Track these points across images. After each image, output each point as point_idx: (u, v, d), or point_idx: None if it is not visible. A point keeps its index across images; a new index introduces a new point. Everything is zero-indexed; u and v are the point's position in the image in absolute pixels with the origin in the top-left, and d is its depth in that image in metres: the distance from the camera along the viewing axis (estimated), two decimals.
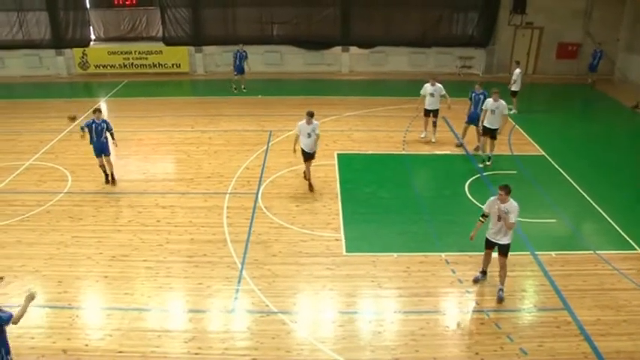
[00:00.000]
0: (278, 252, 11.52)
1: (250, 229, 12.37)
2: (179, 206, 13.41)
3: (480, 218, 10.09)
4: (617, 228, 12.60)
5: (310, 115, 13.40)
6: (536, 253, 11.47)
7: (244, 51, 22.24)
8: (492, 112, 15.11)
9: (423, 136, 17.52)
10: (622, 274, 10.91)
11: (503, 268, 9.96)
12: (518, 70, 19.85)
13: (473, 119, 16.32)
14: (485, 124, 15.33)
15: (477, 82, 16.76)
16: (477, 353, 8.89)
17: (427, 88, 16.76)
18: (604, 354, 8.87)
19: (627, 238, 12.18)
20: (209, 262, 11.18)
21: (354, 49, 25.96)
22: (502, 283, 10.06)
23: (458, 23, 25.91)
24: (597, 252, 11.64)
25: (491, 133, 15.41)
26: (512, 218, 9.47)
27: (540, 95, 23.71)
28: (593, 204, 13.70)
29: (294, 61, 25.98)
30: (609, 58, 25.14)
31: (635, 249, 11.81)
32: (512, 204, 9.52)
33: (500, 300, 10.00)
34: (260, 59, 25.57)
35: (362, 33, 25.67)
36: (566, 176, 15.21)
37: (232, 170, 15.28)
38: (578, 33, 25.40)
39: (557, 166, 15.84)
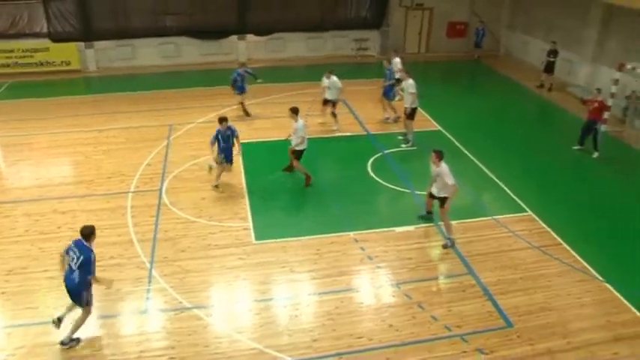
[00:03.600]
0: (187, 247, 11.33)
1: (157, 226, 12.05)
2: (80, 210, 12.80)
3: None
4: (510, 193, 13.50)
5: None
6: (439, 223, 12.00)
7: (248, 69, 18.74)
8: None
9: (321, 121, 17.79)
10: (517, 236, 11.73)
11: (443, 218, 11.37)
12: (397, 59, 18.92)
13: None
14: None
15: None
16: (390, 325, 9.23)
17: (324, 81, 17.23)
18: (505, 310, 9.55)
19: (519, 202, 13.09)
20: (117, 264, 10.79)
21: (250, 37, 25.73)
22: (447, 231, 11.41)
23: (352, 6, 26.33)
24: (494, 217, 12.42)
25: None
26: (449, 180, 10.88)
27: (433, 72, 24.67)
28: (488, 172, 14.55)
29: (191, 52, 25.28)
30: (493, 35, 26.60)
31: (526, 211, 12.71)
32: (442, 168, 11.04)
33: (444, 246, 11.38)
34: (155, 52, 24.77)
35: (258, 20, 25.41)
36: (462, 148, 16.03)
37: (134, 168, 14.77)
38: (466, 12, 26.69)
39: (453, 139, 16.65)
